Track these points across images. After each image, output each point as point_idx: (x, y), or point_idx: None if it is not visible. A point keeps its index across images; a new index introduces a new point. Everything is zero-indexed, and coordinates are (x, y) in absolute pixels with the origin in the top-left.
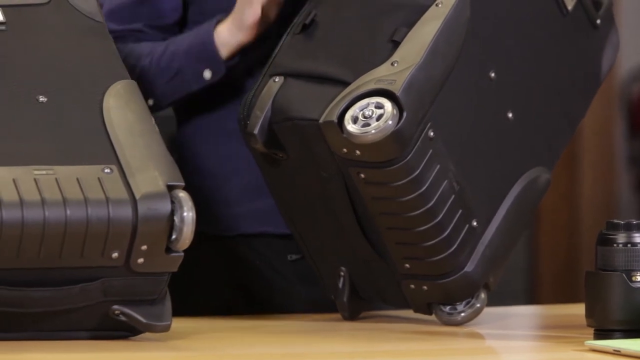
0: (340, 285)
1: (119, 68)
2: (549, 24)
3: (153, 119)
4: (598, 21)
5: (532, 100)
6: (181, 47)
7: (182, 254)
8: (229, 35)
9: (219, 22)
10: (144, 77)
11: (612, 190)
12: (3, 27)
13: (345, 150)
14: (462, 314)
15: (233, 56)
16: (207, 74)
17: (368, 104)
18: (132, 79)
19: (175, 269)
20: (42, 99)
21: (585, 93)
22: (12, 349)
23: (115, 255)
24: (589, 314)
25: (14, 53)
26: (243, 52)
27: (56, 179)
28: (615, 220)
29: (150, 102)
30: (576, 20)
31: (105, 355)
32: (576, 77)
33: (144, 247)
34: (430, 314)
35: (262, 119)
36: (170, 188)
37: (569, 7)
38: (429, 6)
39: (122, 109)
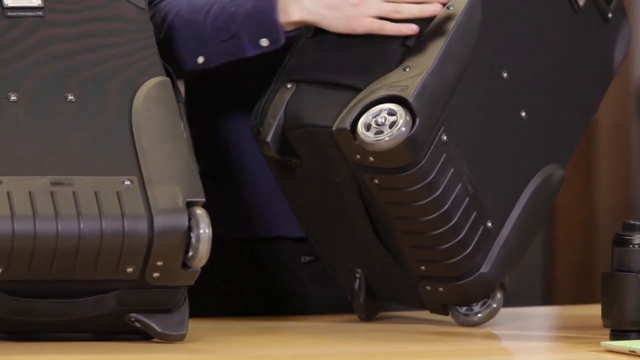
0: (356, 286)
1: (155, 62)
2: (560, 21)
3: (182, 123)
4: (610, 14)
5: (545, 98)
6: (241, 10)
7: (199, 269)
8: (296, 11)
9: None
10: (197, 32)
11: (628, 191)
12: (40, 13)
13: (358, 156)
14: (479, 315)
15: (295, 29)
16: (265, 42)
17: (381, 111)
18: (183, 34)
19: (192, 283)
20: (70, 97)
21: (599, 87)
22: (27, 350)
23: (130, 270)
24: (605, 314)
25: (49, 43)
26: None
27: (73, 192)
28: (632, 221)
29: (201, 59)
30: (588, 14)
31: (122, 357)
32: (589, 71)
33: (160, 263)
34: (447, 314)
35: (275, 126)
36: (189, 204)
37: (581, 3)
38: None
39: (152, 111)
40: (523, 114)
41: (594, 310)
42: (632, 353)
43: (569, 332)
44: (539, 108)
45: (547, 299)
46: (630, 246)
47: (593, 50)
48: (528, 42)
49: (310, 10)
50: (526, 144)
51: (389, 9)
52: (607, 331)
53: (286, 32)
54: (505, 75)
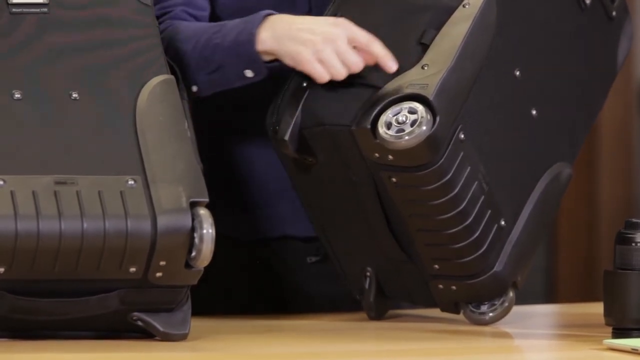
0: (367, 285)
1: (159, 60)
2: (569, 19)
3: (186, 122)
4: (614, 13)
5: (554, 96)
6: (224, 42)
7: (202, 269)
8: (271, 47)
9: (266, 17)
10: (187, 63)
11: (630, 189)
12: (45, 9)
13: (377, 155)
14: (491, 314)
15: (275, 59)
16: (250, 73)
17: (401, 109)
18: (175, 61)
19: (195, 282)
20: (74, 95)
21: (603, 85)
22: (30, 348)
23: (133, 269)
24: (607, 312)
25: (54, 40)
26: None
27: (77, 192)
28: (634, 220)
29: (195, 88)
30: (594, 13)
31: (124, 356)
32: (595, 70)
33: (163, 263)
34: (458, 312)
35: (292, 124)
36: (193, 204)
37: (587, 1)
38: (456, 7)
39: (156, 110)
40: (534, 112)
41: (597, 309)
42: (634, 351)
43: (571, 330)
44: (548, 106)
45: (550, 297)
46: (633, 244)
47: (598, 48)
48: (539, 40)
49: (276, 38)
50: (536, 142)
51: (336, 63)
52: (609, 329)
53: (268, 62)
54: (517, 73)
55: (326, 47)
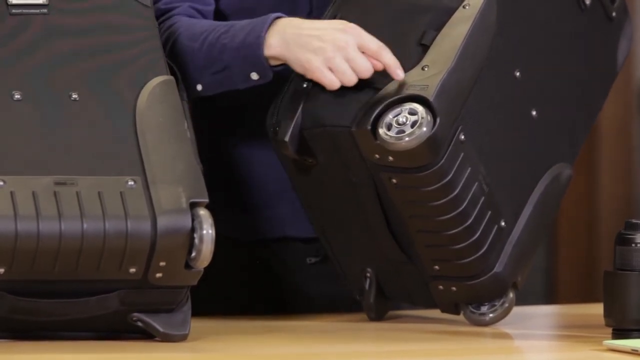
0: (367, 286)
1: (159, 61)
2: (568, 20)
3: (186, 122)
4: (613, 13)
5: (554, 97)
6: (232, 44)
7: (202, 270)
8: (280, 53)
9: (274, 20)
10: (193, 61)
11: (631, 189)
12: (45, 10)
13: (377, 156)
14: (491, 315)
15: (281, 63)
16: (255, 76)
17: (401, 111)
18: (181, 58)
19: (194, 283)
20: (74, 96)
21: (603, 86)
22: (30, 349)
23: (132, 270)
24: (607, 313)
25: (54, 40)
26: None
27: (77, 193)
28: (634, 220)
29: (199, 87)
30: (594, 14)
31: (124, 356)
32: (595, 70)
33: (163, 263)
34: (458, 313)
35: (292, 125)
36: (193, 205)
37: (587, 2)
38: (456, 8)
39: (156, 110)
40: (534, 112)
41: (597, 309)
42: (634, 352)
43: (571, 331)
44: (548, 107)
45: (550, 298)
46: (633, 245)
47: (598, 49)
48: (539, 41)
49: (285, 44)
50: (536, 143)
51: (346, 70)
52: (610, 330)
53: (273, 66)
54: (517, 74)
55: (336, 54)
